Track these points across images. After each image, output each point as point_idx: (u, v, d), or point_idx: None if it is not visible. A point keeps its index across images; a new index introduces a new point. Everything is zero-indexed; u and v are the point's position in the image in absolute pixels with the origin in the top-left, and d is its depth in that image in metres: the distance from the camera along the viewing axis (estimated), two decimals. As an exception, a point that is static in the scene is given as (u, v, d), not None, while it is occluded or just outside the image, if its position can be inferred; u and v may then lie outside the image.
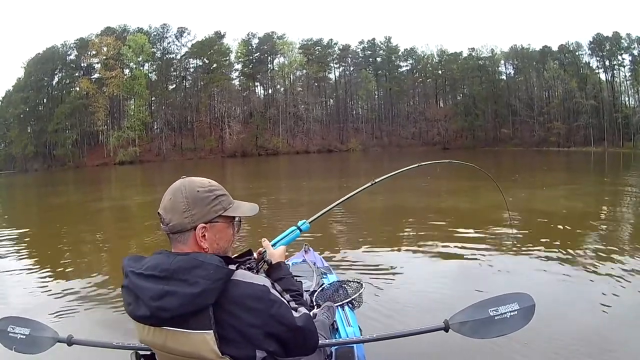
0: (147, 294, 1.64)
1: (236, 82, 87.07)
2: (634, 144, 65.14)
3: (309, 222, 2.94)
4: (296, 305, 1.91)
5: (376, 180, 3.51)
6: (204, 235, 1.78)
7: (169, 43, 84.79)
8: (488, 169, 22.37)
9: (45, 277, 7.37)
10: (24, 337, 2.44)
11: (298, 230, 2.85)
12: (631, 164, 37.08)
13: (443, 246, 8.38)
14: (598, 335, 4.43)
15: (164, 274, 1.64)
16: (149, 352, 2.01)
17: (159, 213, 1.82)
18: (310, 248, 5.25)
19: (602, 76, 77.36)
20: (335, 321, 3.30)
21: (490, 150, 68.78)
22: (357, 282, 3.85)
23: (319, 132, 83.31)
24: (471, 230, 9.64)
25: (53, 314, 5.51)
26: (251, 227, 9.78)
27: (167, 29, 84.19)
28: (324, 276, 4.35)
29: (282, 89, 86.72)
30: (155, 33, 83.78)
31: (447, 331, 2.35)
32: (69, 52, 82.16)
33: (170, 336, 1.68)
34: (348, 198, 3.43)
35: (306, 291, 3.59)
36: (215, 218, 1.83)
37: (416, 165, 4.01)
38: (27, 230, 12.81)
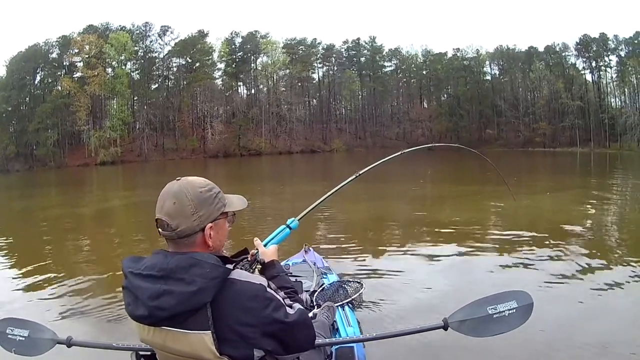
0: (145, 293, 1.68)
1: (219, 81, 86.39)
2: (620, 145, 66.34)
3: (298, 220, 2.94)
4: (291, 302, 1.94)
5: (360, 173, 3.56)
6: (210, 235, 1.81)
7: (151, 41, 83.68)
8: (478, 170, 21.89)
9: (43, 280, 7.32)
10: (23, 338, 2.43)
11: (288, 229, 2.84)
12: (625, 164, 37.99)
13: (442, 247, 8.62)
14: (596, 333, 4.54)
15: (161, 273, 1.68)
16: (149, 353, 2.04)
17: (158, 220, 1.81)
18: (311, 248, 5.41)
19: (589, 77, 77.87)
20: (335, 321, 3.38)
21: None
22: (357, 282, 4.08)
23: (302, 132, 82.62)
24: (470, 231, 9.87)
25: (51, 315, 5.53)
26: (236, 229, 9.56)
27: (150, 27, 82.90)
28: (324, 276, 4.52)
29: (265, 88, 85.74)
30: (138, 31, 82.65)
31: (446, 329, 2.40)
32: (51, 51, 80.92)
33: (170, 336, 1.72)
34: (334, 192, 3.43)
35: (306, 291, 3.77)
36: (219, 216, 1.87)
37: (399, 153, 4.02)
38: (19, 234, 12.68)
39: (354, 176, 3.54)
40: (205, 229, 1.79)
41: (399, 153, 4.00)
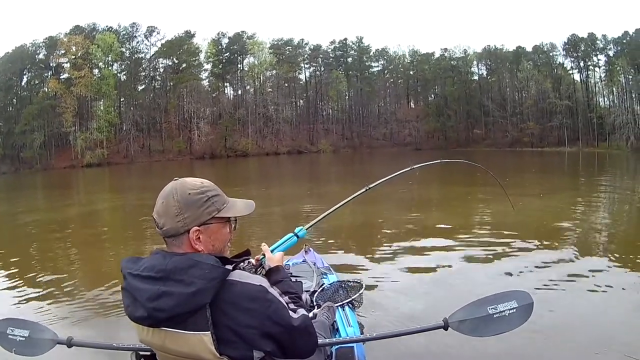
0: (144, 295, 1.67)
1: (205, 82, 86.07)
2: (609, 144, 66.42)
3: (306, 229, 2.96)
4: (295, 307, 1.94)
5: (370, 186, 3.57)
6: (198, 238, 1.78)
7: (138, 42, 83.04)
8: (466, 171, 21.83)
9: (42, 281, 7.33)
10: (24, 339, 2.43)
11: (295, 237, 2.86)
12: (614, 164, 38.44)
13: (440, 249, 8.58)
14: (595, 333, 4.55)
15: (160, 274, 1.67)
16: (148, 353, 2.03)
17: (153, 217, 1.83)
18: (311, 248, 5.38)
19: (577, 77, 77.85)
20: (335, 321, 3.36)
21: (463, 151, 68.45)
22: (358, 282, 3.99)
23: (288, 133, 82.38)
24: (466, 234, 9.83)
25: (52, 316, 5.57)
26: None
27: (137, 28, 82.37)
28: (324, 276, 4.48)
29: (251, 89, 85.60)
30: (124, 32, 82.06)
31: (446, 329, 2.40)
32: (37, 51, 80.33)
33: (169, 337, 1.72)
34: (344, 204, 3.44)
35: (306, 291, 3.68)
36: (209, 220, 1.81)
37: (409, 168, 3.97)
38: (11, 238, 12.57)
39: (363, 189, 3.56)
40: (190, 231, 1.75)
41: (409, 168, 3.95)
